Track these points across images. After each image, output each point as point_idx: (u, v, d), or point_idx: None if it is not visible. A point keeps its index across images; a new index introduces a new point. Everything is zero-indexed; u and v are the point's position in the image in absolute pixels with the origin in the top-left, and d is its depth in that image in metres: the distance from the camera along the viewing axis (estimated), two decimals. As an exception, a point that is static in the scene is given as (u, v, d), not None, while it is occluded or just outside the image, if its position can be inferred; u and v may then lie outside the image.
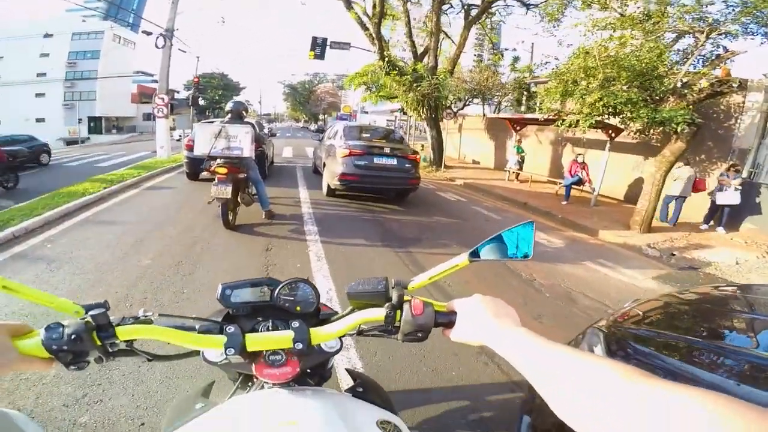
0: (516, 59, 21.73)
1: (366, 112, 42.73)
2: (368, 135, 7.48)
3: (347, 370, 1.17)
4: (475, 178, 11.63)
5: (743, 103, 7.01)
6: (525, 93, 20.15)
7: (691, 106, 5.93)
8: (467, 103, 21.02)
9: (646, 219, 6.56)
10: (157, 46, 11.55)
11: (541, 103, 8.48)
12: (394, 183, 6.77)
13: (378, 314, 0.66)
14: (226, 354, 0.64)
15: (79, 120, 34.55)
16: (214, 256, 3.93)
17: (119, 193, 7.16)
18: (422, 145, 17.15)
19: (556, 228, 6.59)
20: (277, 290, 0.75)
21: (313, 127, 50.49)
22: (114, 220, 5.13)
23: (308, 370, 0.83)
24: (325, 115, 53.69)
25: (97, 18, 40.17)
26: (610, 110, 6.31)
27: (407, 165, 6.72)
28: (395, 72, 12.46)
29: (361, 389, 0.84)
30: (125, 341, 0.61)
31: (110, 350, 0.59)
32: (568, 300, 3.60)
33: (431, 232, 5.48)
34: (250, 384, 0.83)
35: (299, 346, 0.66)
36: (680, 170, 6.69)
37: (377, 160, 6.51)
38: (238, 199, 4.82)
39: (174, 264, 3.63)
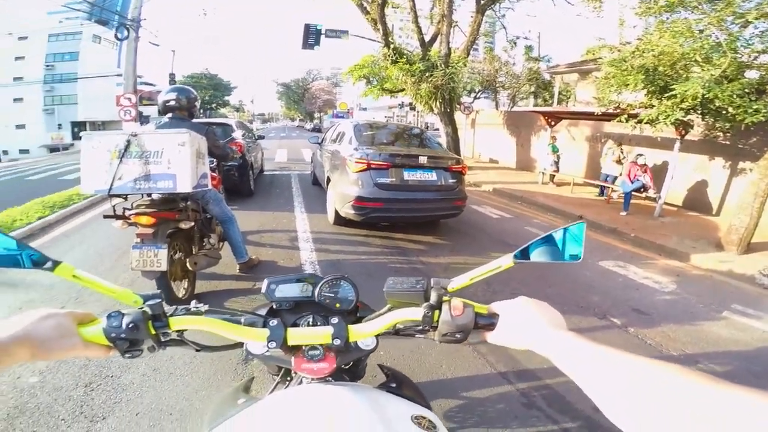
0: (529, 48, 20.11)
1: (364, 109, 40.69)
2: (390, 137, 5.34)
3: (380, 365, 1.02)
4: (503, 182, 9.92)
5: None
6: (541, 85, 18.69)
7: None
8: (478, 96, 19.36)
9: (746, 237, 5.29)
10: (117, 38, 9.55)
11: (600, 94, 6.95)
12: (434, 208, 4.60)
13: (415, 314, 0.63)
14: (268, 347, 0.64)
15: (59, 125, 32.50)
16: (141, 384, 2.03)
17: (60, 223, 5.34)
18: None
19: (636, 253, 5.09)
20: (319, 287, 0.74)
21: (308, 125, 48.82)
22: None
23: (344, 367, 0.83)
24: (321, 114, 51.93)
25: (80, 20, 37.89)
26: (711, 105, 5.11)
27: (451, 180, 4.57)
28: (403, 60, 10.67)
29: (394, 384, 0.83)
30: (176, 331, 0.62)
31: (162, 339, 0.60)
32: None
33: (503, 284, 3.51)
34: (289, 379, 0.85)
35: (337, 342, 0.65)
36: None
37: (409, 176, 4.35)
38: (188, 264, 2.72)
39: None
